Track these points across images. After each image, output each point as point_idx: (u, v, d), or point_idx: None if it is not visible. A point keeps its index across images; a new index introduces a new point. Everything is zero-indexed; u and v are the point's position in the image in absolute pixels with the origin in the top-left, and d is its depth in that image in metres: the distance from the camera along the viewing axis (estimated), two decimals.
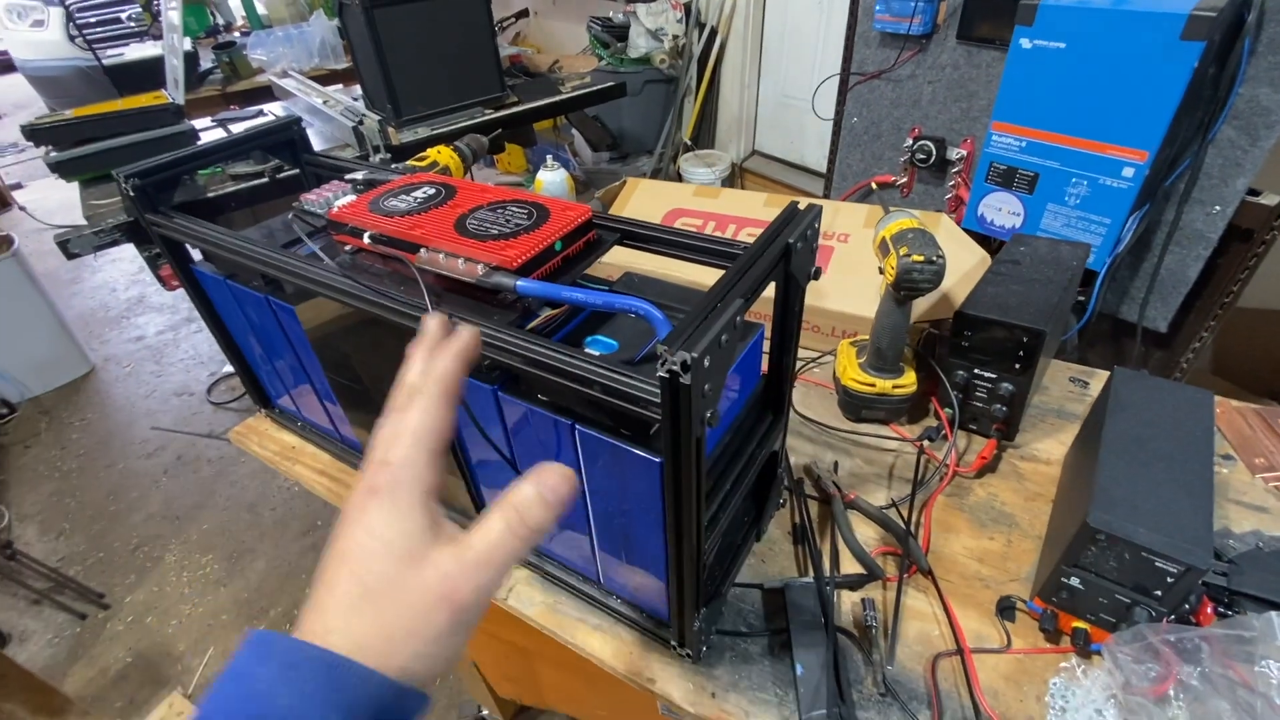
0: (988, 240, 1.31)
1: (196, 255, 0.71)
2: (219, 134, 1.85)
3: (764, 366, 0.55)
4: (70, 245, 1.36)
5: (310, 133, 1.95)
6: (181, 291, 1.47)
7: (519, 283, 0.45)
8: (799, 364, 0.85)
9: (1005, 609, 0.56)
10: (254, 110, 2.02)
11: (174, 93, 1.70)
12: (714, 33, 2.70)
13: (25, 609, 1.66)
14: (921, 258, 0.61)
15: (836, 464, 0.71)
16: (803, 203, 0.47)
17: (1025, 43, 1.11)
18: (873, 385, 0.72)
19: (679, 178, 2.91)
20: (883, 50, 1.48)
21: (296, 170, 0.80)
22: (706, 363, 0.34)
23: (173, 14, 1.67)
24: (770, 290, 0.57)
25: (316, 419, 0.78)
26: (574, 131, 3.09)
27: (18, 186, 3.83)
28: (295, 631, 0.26)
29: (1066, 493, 0.61)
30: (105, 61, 2.16)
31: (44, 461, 2.11)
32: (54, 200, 3.50)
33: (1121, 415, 0.55)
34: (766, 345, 0.54)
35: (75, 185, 1.57)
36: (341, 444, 0.78)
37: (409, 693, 0.25)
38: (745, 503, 0.61)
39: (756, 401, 0.56)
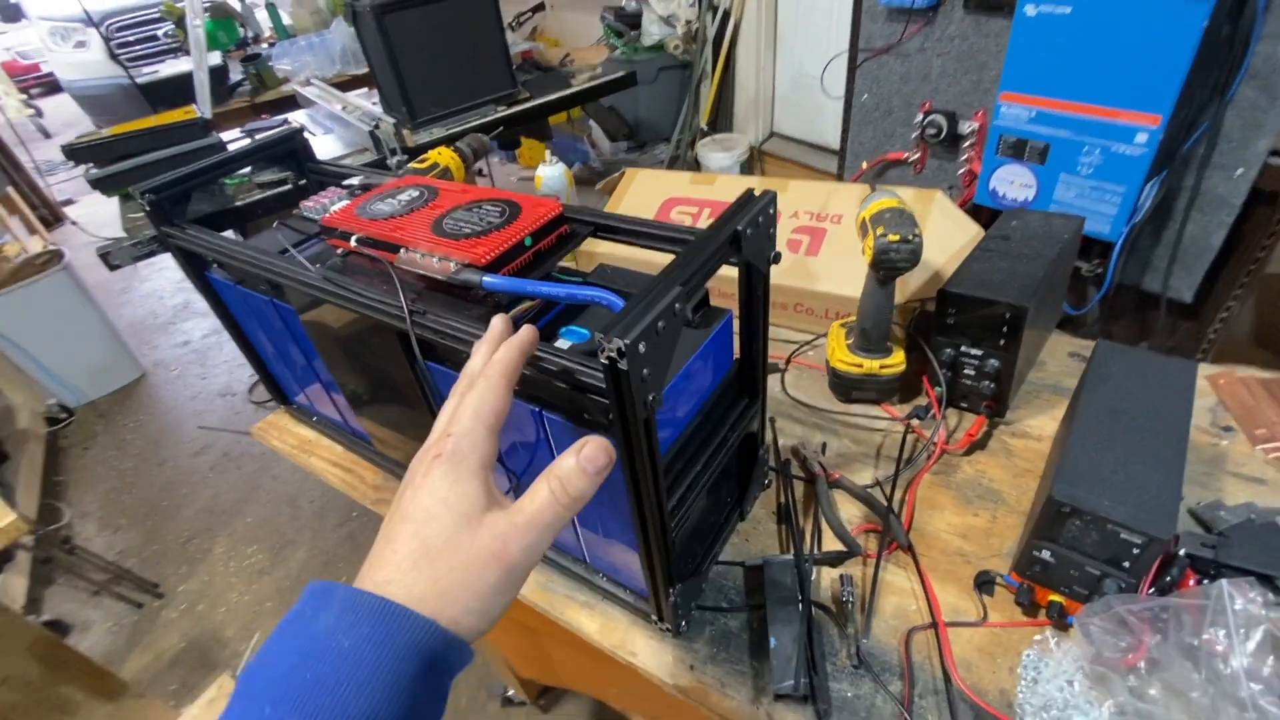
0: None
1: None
2: (246, 144, 1.92)
3: (736, 351, 0.57)
4: (111, 257, 1.45)
5: (331, 139, 2.01)
6: None
7: (484, 279, 0.48)
8: (794, 347, 0.86)
9: (984, 583, 0.57)
10: (279, 120, 2.10)
11: (202, 107, 1.78)
12: (727, 15, 2.67)
13: (86, 600, 1.78)
14: (897, 237, 0.62)
15: (824, 445, 0.72)
16: (758, 189, 0.48)
17: (1030, 9, 1.08)
18: (860, 366, 0.73)
19: (696, 164, 2.90)
20: (889, 25, 1.45)
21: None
22: (642, 348, 0.35)
23: (198, 31, 1.74)
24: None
25: (329, 413, 0.82)
26: (591, 122, 3.10)
27: (69, 202, 4.05)
28: (356, 583, 0.28)
29: (1047, 468, 0.61)
30: (140, 79, 2.26)
31: (101, 462, 2.25)
32: (103, 214, 3.68)
33: (1099, 388, 0.54)
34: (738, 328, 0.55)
35: (116, 200, 1.67)
36: (352, 436, 0.82)
37: (457, 644, 0.28)
38: (726, 484, 0.62)
39: (730, 385, 0.58)
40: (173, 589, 1.79)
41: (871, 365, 0.72)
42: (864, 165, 1.66)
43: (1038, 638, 0.52)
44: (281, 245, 0.67)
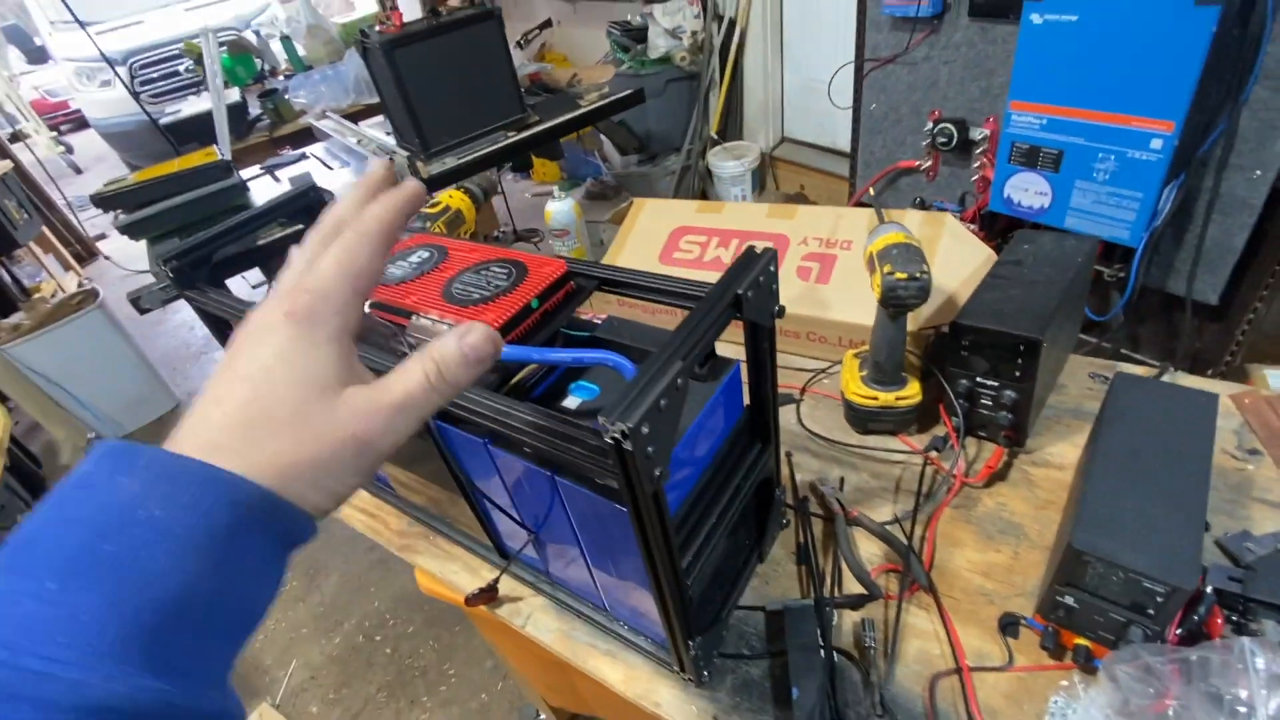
0: (1021, 224, 1.26)
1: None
2: (267, 181, 1.98)
3: (746, 398, 0.57)
4: (141, 302, 1.50)
5: (348, 172, 2.05)
6: None
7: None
8: (808, 376, 0.86)
9: (1008, 625, 0.56)
10: (297, 155, 2.15)
11: (222, 148, 1.83)
12: (733, 24, 2.67)
13: None
14: (905, 275, 0.61)
15: (842, 480, 0.71)
16: (759, 246, 0.48)
17: (1036, 18, 1.07)
18: (875, 399, 0.72)
19: (709, 173, 2.90)
20: (895, 34, 1.44)
21: None
22: (645, 429, 0.36)
23: (215, 75, 1.80)
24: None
25: None
26: (602, 137, 3.12)
27: (101, 237, 4.18)
28: (170, 445, 0.24)
29: (1069, 503, 0.60)
30: (165, 119, 2.33)
31: None
32: (135, 248, 3.81)
33: (1117, 425, 0.54)
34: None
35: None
36: (376, 483, 0.84)
37: (301, 518, 0.24)
38: (743, 527, 0.63)
39: (742, 433, 0.58)
40: None
41: (887, 398, 0.72)
42: (874, 177, 1.65)
43: (1064, 683, 0.51)
44: None
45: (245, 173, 1.96)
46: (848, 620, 0.60)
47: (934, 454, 0.70)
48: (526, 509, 0.57)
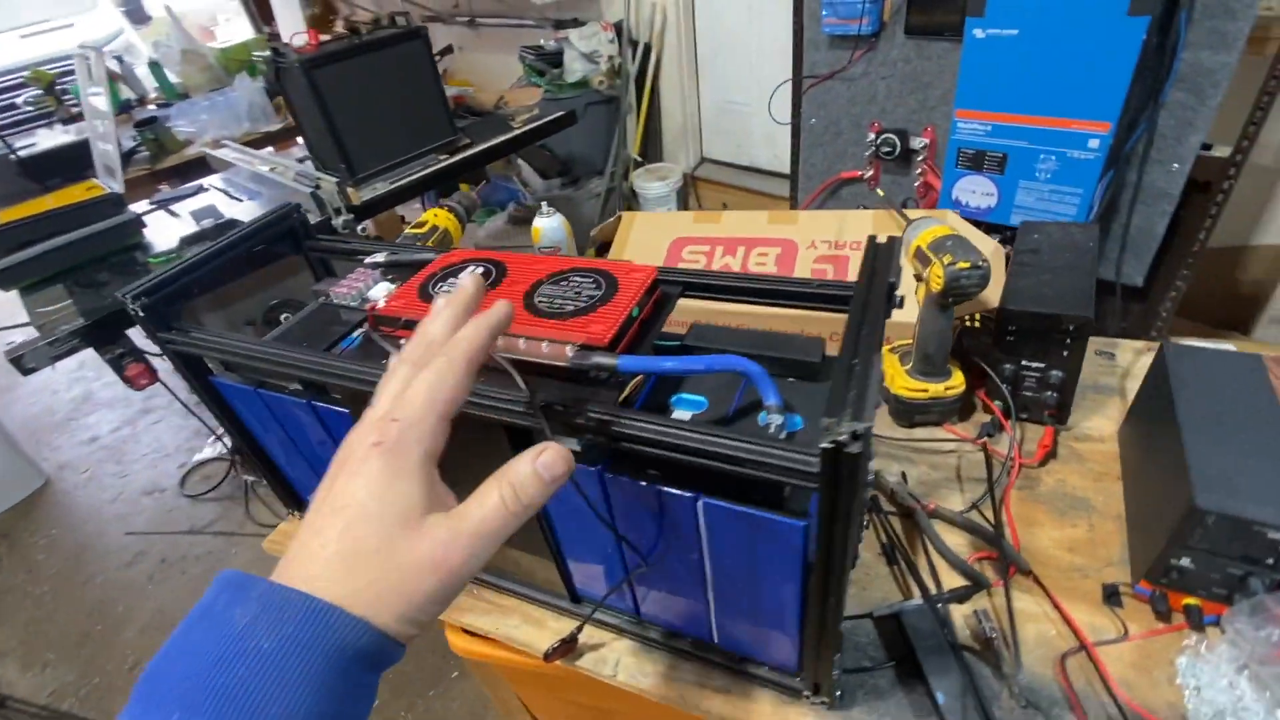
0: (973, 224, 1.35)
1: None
2: (161, 217, 1.75)
3: None
4: (25, 360, 1.26)
5: (256, 205, 1.87)
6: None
7: (619, 361, 0.44)
8: None
9: (1110, 595, 0.57)
10: (193, 187, 1.93)
11: (109, 181, 1.60)
12: (648, 49, 2.72)
13: None
14: (968, 264, 0.62)
15: (904, 474, 0.71)
16: (881, 237, 0.47)
17: (979, 33, 1.15)
18: (925, 390, 0.73)
19: (632, 194, 2.92)
20: (833, 52, 1.51)
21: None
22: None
23: (97, 100, 1.58)
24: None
25: None
26: (520, 161, 3.06)
27: None
28: (277, 577, 0.26)
29: (1143, 471, 0.62)
30: (21, 153, 2.02)
31: (11, 590, 1.95)
32: None
33: (1187, 392, 0.57)
34: None
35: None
36: None
37: (389, 645, 0.26)
38: None
39: None
40: None
41: (936, 389, 0.73)
42: (819, 188, 1.72)
43: (1187, 643, 0.52)
44: (311, 341, 0.60)
45: (133, 208, 1.73)
46: (956, 614, 0.58)
47: (987, 439, 0.72)
48: (629, 540, 0.51)
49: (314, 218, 1.69)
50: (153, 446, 2.41)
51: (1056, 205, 1.21)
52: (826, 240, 0.91)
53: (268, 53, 1.70)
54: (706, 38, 2.66)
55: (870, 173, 1.60)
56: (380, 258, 0.66)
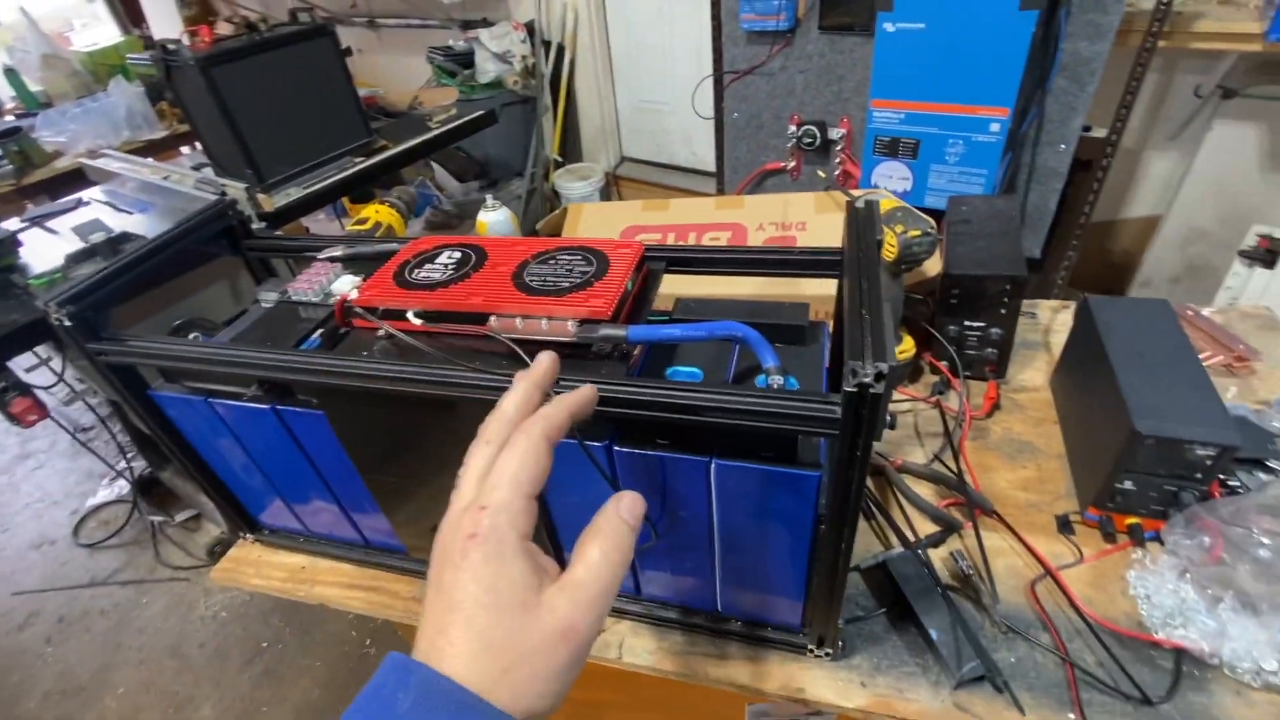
0: None
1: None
2: (37, 235, 1.57)
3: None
4: None
5: (148, 219, 1.72)
6: (4, 426, 1.22)
7: (629, 331, 0.44)
8: None
9: (1064, 524, 0.63)
10: (71, 201, 1.74)
11: None
12: (561, 49, 2.72)
13: None
14: (918, 232, 0.67)
15: None
16: (861, 201, 0.50)
17: (889, 26, 1.23)
18: None
19: (555, 195, 2.90)
20: (751, 47, 1.57)
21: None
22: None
23: None
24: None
25: (332, 530, 0.69)
26: (434, 165, 2.97)
27: None
28: (420, 656, 0.27)
29: (1077, 412, 0.69)
30: None
31: None
32: None
33: (1115, 336, 0.63)
34: None
35: None
36: (365, 548, 0.70)
37: None
38: None
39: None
40: None
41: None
42: (745, 179, 1.77)
43: (1135, 558, 0.59)
44: (270, 339, 0.56)
45: (4, 226, 1.53)
46: (935, 558, 0.62)
47: (939, 397, 0.77)
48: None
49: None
50: (36, 495, 2.15)
51: (965, 186, 1.31)
52: (774, 222, 0.95)
53: (145, 54, 1.56)
54: (619, 38, 2.68)
55: (793, 163, 1.67)
56: (338, 251, 0.62)
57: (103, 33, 3.77)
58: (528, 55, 2.73)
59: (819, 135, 1.55)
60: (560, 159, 2.94)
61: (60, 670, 1.63)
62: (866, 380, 0.34)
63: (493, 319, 0.47)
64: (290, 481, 0.64)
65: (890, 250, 0.69)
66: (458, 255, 0.53)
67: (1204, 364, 0.60)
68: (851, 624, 0.58)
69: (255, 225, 1.49)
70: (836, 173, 1.60)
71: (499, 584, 0.27)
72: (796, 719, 0.67)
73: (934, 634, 0.54)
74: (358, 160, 1.80)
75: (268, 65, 1.57)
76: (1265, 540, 0.53)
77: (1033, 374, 0.81)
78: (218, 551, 1.86)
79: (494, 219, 1.00)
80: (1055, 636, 0.55)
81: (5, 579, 1.88)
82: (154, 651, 1.66)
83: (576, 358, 0.46)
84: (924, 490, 0.69)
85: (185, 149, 2.65)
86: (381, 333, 0.51)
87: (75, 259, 1.39)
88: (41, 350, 1.49)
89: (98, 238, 1.42)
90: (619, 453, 0.46)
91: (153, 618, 1.74)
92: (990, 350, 0.77)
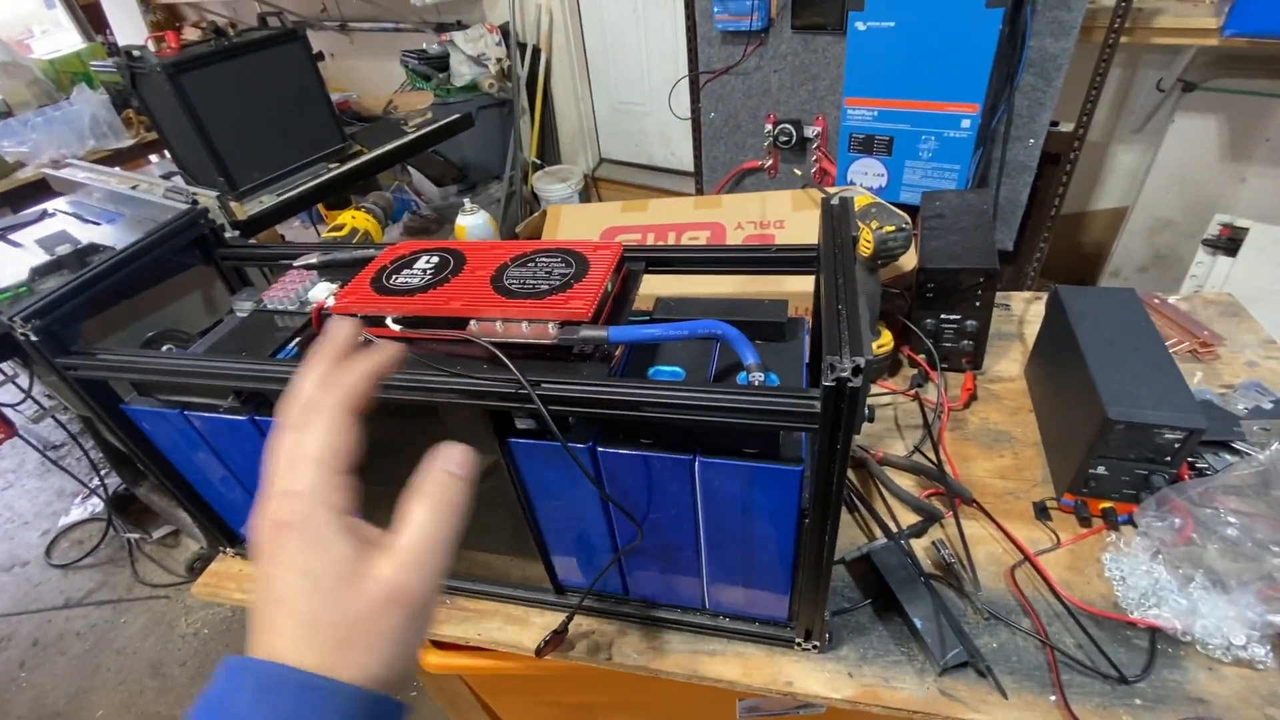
0: None
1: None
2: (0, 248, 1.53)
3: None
4: None
5: (115, 229, 1.69)
6: None
7: (610, 332, 0.44)
8: None
9: (1041, 511, 0.64)
10: (35, 212, 1.69)
11: None
12: (537, 52, 2.71)
13: None
14: (893, 228, 0.68)
15: None
16: (836, 198, 0.50)
17: (861, 25, 1.25)
18: None
19: (534, 197, 2.89)
20: (726, 48, 1.58)
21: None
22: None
23: None
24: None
25: None
26: (411, 170, 2.94)
27: None
28: (254, 651, 0.26)
29: (1051, 401, 0.71)
30: None
31: None
32: None
33: (1085, 325, 0.65)
34: None
35: None
36: None
37: (385, 702, 0.26)
38: None
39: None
40: None
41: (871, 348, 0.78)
42: (724, 179, 1.78)
43: (1109, 541, 0.60)
44: (238, 350, 0.55)
45: None
46: (917, 547, 0.63)
47: (917, 390, 0.78)
48: (618, 517, 0.51)
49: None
50: (4, 516, 2.09)
51: (938, 181, 1.33)
52: (752, 220, 0.96)
53: (109, 61, 1.53)
54: (594, 39, 2.68)
55: (770, 162, 1.69)
56: (314, 259, 0.62)
57: (64, 39, 3.69)
58: (503, 58, 2.72)
59: (795, 134, 1.56)
60: (538, 161, 2.93)
61: (35, 695, 1.59)
62: (844, 375, 0.34)
63: (473, 323, 0.47)
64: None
65: (866, 246, 0.70)
66: (436, 260, 0.53)
67: (1170, 350, 0.61)
68: (838, 616, 0.59)
69: (228, 234, 1.47)
70: (813, 170, 1.62)
71: (317, 567, 0.26)
72: (787, 712, 0.68)
73: (918, 623, 0.55)
74: (332, 166, 1.77)
75: (237, 71, 1.54)
76: (1232, 520, 0.55)
77: (1008, 364, 0.82)
78: (198, 567, 1.82)
79: (473, 222, 0.99)
80: (1035, 620, 0.56)
81: None
82: (134, 672, 1.62)
83: (558, 359, 0.46)
84: (905, 481, 0.70)
85: (154, 157, 2.60)
86: (361, 340, 0.50)
87: (41, 272, 1.36)
88: (7, 366, 1.46)
89: (64, 250, 1.38)
90: (603, 453, 0.46)
91: (132, 638, 1.70)
92: (966, 342, 0.78)
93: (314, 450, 0.28)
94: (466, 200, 1.02)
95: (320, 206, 2.35)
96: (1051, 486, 0.67)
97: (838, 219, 0.47)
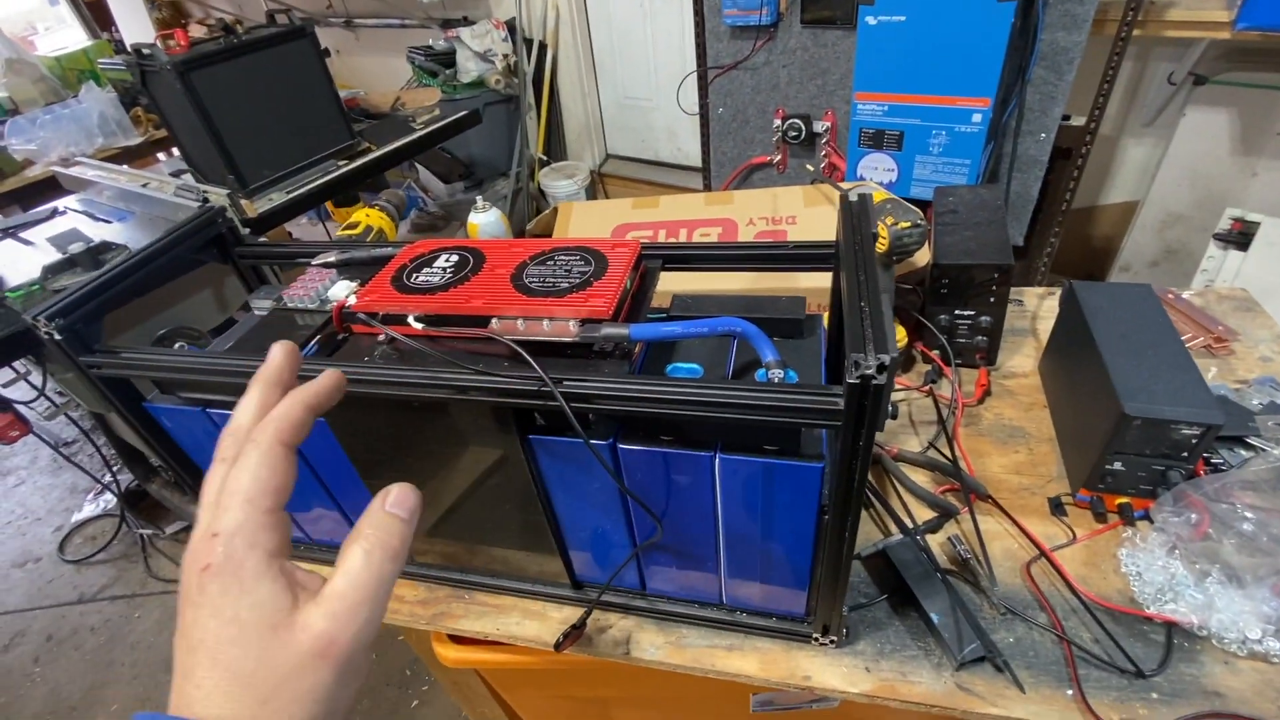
0: None
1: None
2: (11, 246, 1.54)
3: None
4: None
5: (126, 227, 1.70)
6: None
7: (631, 330, 0.44)
8: None
9: (1056, 506, 0.64)
10: (46, 210, 1.70)
11: None
12: (543, 47, 2.70)
13: None
14: (909, 223, 0.68)
15: None
16: (854, 195, 0.50)
17: (871, 20, 1.24)
18: None
19: (541, 194, 2.89)
20: (734, 43, 1.58)
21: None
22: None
23: None
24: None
25: (333, 537, 0.69)
26: (418, 167, 2.94)
27: None
28: (175, 710, 0.24)
29: (1066, 396, 0.71)
30: None
31: None
32: None
33: (1100, 320, 0.65)
34: None
35: None
36: None
37: None
38: None
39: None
40: None
41: None
42: (732, 174, 1.78)
43: (1125, 536, 0.60)
44: (259, 349, 0.56)
45: None
46: (933, 543, 0.63)
47: (931, 385, 0.78)
48: (637, 513, 0.52)
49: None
50: (17, 512, 2.11)
51: (949, 176, 1.33)
52: (764, 216, 0.96)
53: (117, 59, 1.53)
54: (601, 34, 2.68)
55: (779, 157, 1.68)
56: (332, 257, 0.62)
57: (69, 36, 3.70)
58: (509, 54, 2.71)
59: (804, 129, 1.56)
60: (545, 157, 2.93)
61: (50, 690, 1.61)
62: (869, 372, 0.35)
63: (494, 321, 0.47)
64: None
65: (882, 242, 0.70)
66: (456, 258, 0.53)
67: (1185, 346, 0.61)
68: (854, 611, 0.59)
69: (241, 231, 1.48)
70: (822, 165, 1.61)
71: (241, 613, 0.25)
72: (800, 706, 0.68)
73: (935, 617, 0.55)
74: (341, 163, 1.78)
75: (247, 68, 1.55)
76: (1248, 515, 0.55)
77: (1021, 360, 0.82)
78: None
79: (485, 220, 1.00)
80: (1052, 615, 0.56)
81: None
82: (148, 667, 1.64)
83: (578, 357, 0.47)
84: (920, 477, 0.70)
85: (162, 155, 2.61)
86: (383, 338, 0.51)
87: (53, 270, 1.37)
88: (19, 364, 1.47)
89: (77, 248, 1.39)
90: (623, 450, 0.47)
91: (145, 632, 1.72)
92: (980, 338, 0.78)
93: (243, 487, 0.27)
94: (478, 198, 1.02)
95: (328, 204, 2.36)
96: (1067, 482, 0.67)
97: (858, 216, 0.47)
